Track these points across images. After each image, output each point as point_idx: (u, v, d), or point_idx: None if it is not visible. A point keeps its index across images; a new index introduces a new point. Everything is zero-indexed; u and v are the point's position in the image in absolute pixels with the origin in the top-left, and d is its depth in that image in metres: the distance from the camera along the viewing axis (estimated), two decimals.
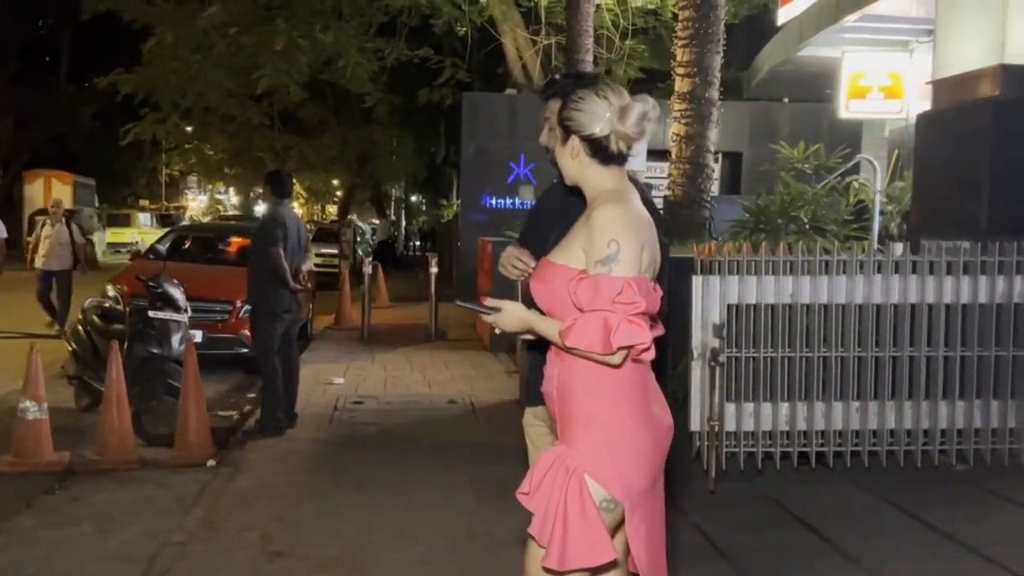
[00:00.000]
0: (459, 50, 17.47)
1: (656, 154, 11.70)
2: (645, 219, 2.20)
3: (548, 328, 2.19)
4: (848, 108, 10.83)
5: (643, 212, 2.21)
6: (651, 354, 2.15)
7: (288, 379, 6.33)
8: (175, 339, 6.12)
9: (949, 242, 5.13)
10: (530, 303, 2.30)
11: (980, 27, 5.60)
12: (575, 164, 2.27)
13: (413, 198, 52.75)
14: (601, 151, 2.24)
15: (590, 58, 12.22)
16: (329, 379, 8.22)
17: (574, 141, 2.24)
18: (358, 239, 25.65)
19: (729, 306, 4.80)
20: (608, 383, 2.17)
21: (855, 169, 8.77)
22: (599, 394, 2.17)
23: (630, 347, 2.09)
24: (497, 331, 2.30)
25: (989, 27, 5.52)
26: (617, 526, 2.24)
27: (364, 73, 16.91)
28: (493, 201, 15.47)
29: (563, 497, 2.15)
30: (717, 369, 4.64)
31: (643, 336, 2.08)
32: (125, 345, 5.99)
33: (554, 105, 2.36)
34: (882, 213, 8.00)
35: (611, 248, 2.10)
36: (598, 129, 2.21)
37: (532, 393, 2.67)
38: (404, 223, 45.10)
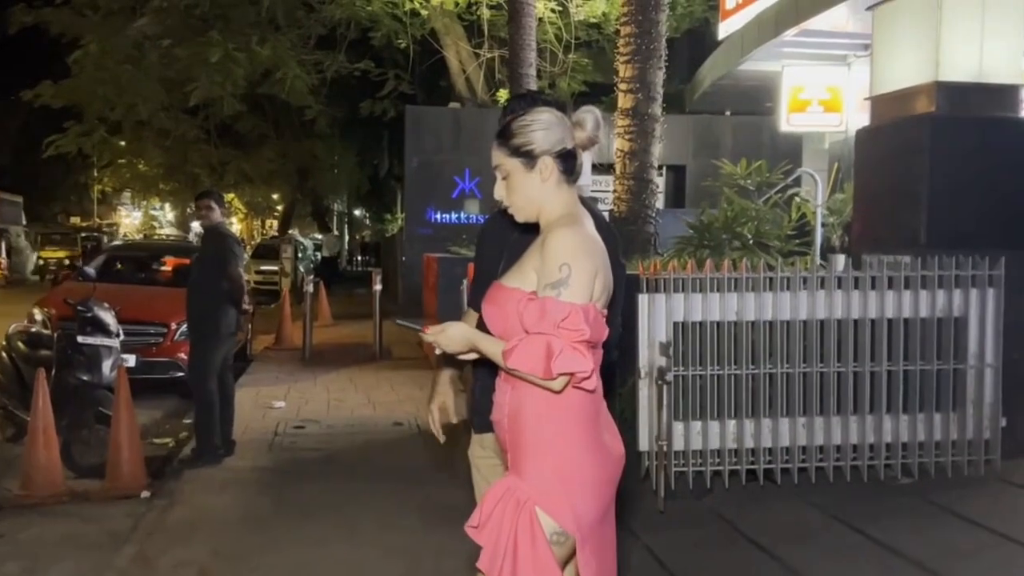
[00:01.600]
0: (401, 62, 17.44)
1: (600, 168, 11.81)
2: (599, 244, 2.19)
3: (492, 348, 2.16)
4: (789, 121, 11.05)
5: (597, 237, 2.20)
6: (592, 383, 2.14)
7: (225, 404, 6.21)
8: (106, 365, 5.96)
9: (890, 256, 5.24)
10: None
11: (915, 45, 5.76)
12: (542, 189, 2.21)
13: (356, 212, 52.40)
14: (570, 165, 2.23)
15: (533, 72, 12.27)
16: (269, 403, 8.08)
17: (545, 162, 2.20)
18: (299, 255, 25.45)
19: (675, 323, 4.83)
20: (560, 411, 2.15)
21: (797, 182, 8.94)
22: (551, 422, 2.15)
23: (571, 374, 2.07)
24: (438, 351, 2.26)
25: (924, 45, 5.67)
26: (568, 559, 2.22)
27: (303, 86, 16.78)
28: (438, 215, 15.45)
29: (513, 530, 2.12)
30: (664, 388, 4.66)
31: (584, 364, 2.06)
32: (53, 372, 5.80)
33: (498, 152, 2.27)
34: (824, 226, 8.17)
35: (562, 272, 2.08)
36: (566, 141, 2.21)
37: (480, 420, 2.64)
38: (347, 237, 44.74)
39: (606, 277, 2.16)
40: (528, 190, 2.23)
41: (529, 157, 2.21)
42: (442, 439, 2.64)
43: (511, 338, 2.13)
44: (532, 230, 2.31)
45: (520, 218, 2.27)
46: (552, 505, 2.13)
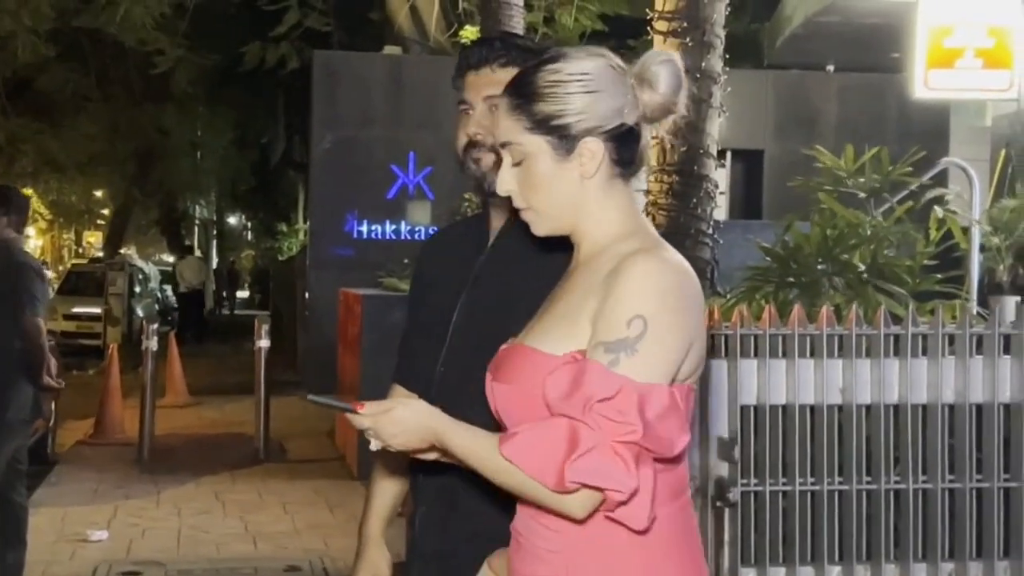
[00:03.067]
0: None
1: None
2: (697, 288, 2.14)
3: (471, 443, 2.09)
4: (928, 83, 11.18)
5: (693, 275, 2.16)
6: (633, 514, 2.05)
7: (11, 534, 6.18)
8: None
9: None
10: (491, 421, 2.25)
11: None
12: (583, 189, 2.18)
13: (231, 220, 52.50)
14: (630, 152, 2.21)
15: (521, 0, 12.40)
16: (83, 533, 8.03)
17: (590, 147, 2.16)
18: (136, 290, 25.42)
19: (744, 408, 4.85)
20: (676, 533, 2.14)
21: (940, 181, 9.05)
22: (661, 560, 2.11)
23: (598, 491, 2.02)
24: (374, 446, 2.22)
25: None
26: None
27: (147, 16, 16.86)
28: (363, 227, 15.51)
29: None
30: (727, 512, 4.66)
31: (619, 479, 1.96)
32: None
33: (509, 122, 2.21)
34: (983, 251, 8.24)
35: (632, 328, 2.03)
36: (626, 111, 2.16)
37: (422, 567, 2.64)
38: (215, 261, 44.82)
39: (702, 347, 2.15)
40: (560, 188, 2.18)
41: (565, 136, 2.16)
42: None
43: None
44: (518, 251, 2.32)
45: (541, 229, 2.24)
46: None
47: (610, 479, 1.98)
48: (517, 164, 2.19)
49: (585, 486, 1.98)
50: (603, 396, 1.99)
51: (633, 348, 2.01)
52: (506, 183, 2.22)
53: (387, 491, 2.79)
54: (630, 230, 2.19)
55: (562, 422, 2.00)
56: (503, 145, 2.21)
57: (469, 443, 2.10)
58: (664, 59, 2.20)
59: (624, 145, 2.18)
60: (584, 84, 2.14)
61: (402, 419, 2.12)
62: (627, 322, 2.02)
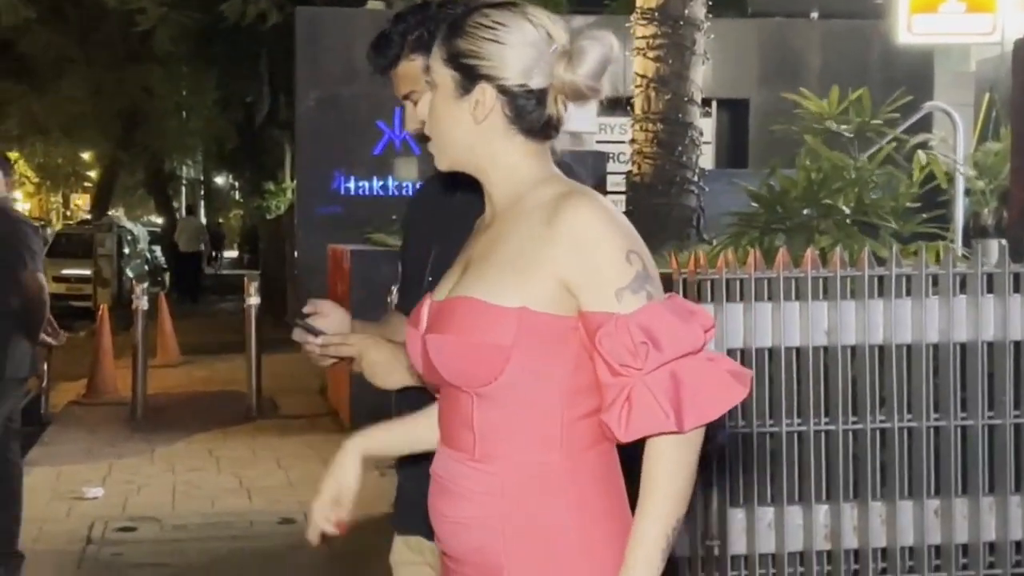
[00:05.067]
0: None
1: (612, 105, 11.88)
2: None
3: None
4: (912, 28, 11.18)
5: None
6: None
7: (6, 494, 6.20)
8: None
9: None
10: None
11: None
12: (474, 132, 2.21)
13: (219, 180, 52.32)
14: (528, 115, 2.20)
15: None
16: (78, 490, 8.05)
17: (483, 92, 2.18)
18: (125, 251, 25.37)
19: (731, 351, 4.87)
20: (590, 465, 2.15)
21: (924, 125, 9.05)
22: (579, 501, 2.14)
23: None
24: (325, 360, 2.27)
25: None
26: None
27: None
28: (351, 184, 15.47)
29: None
30: (716, 454, 4.70)
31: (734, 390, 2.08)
32: None
33: (436, 50, 2.24)
34: (967, 194, 8.27)
35: (634, 262, 2.07)
36: (534, 76, 2.18)
37: (408, 515, 2.66)
38: (204, 221, 44.70)
39: None
40: (452, 125, 2.23)
41: (466, 76, 2.20)
42: (314, 541, 2.55)
43: (467, 386, 2.13)
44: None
45: (441, 163, 2.29)
46: None
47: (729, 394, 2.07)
48: (426, 87, 2.28)
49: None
50: (706, 326, 2.06)
51: (647, 276, 2.07)
52: (414, 114, 2.35)
53: (358, 437, 2.61)
54: (541, 177, 2.21)
55: (661, 374, 2.01)
56: (426, 70, 2.27)
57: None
58: (595, 37, 2.20)
59: (522, 105, 2.19)
60: (498, 34, 2.17)
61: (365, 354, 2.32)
62: (627, 259, 2.06)
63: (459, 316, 2.14)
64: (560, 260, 2.08)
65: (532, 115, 2.20)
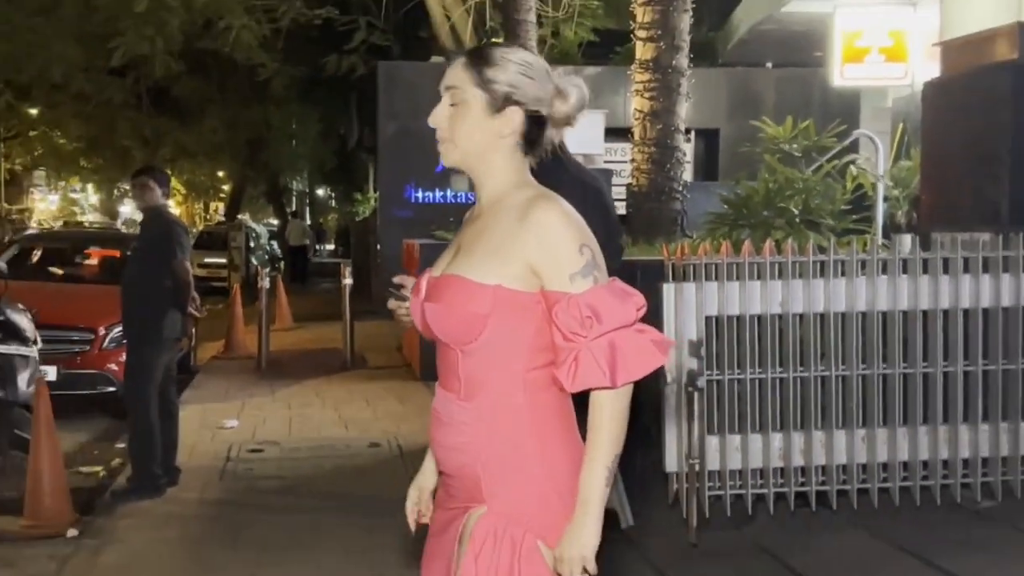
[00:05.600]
0: (373, 9, 17.47)
1: (617, 133, 11.83)
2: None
3: None
4: (843, 74, 11.11)
5: None
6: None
7: (168, 424, 6.25)
8: (22, 379, 6.00)
9: (966, 234, 5.28)
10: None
11: None
12: (495, 144, 2.18)
13: (320, 191, 52.50)
14: (537, 135, 2.21)
15: (532, 17, 12.30)
16: (219, 422, 8.12)
17: (514, 114, 2.16)
18: (251, 244, 25.52)
19: (708, 318, 4.88)
20: (540, 413, 2.17)
21: (853, 148, 9.00)
22: (532, 431, 2.15)
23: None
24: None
25: None
26: None
27: (252, 38, 16.78)
28: (419, 194, 15.49)
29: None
30: (696, 395, 4.70)
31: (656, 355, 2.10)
32: None
33: (463, 73, 2.19)
34: (886, 200, 8.22)
35: (585, 254, 2.08)
36: (543, 105, 2.18)
37: None
38: (308, 222, 44.87)
39: None
40: (479, 134, 2.18)
41: (497, 98, 2.16)
42: (413, 528, 2.47)
43: (463, 344, 2.13)
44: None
45: (448, 159, 2.22)
46: (549, 531, 2.13)
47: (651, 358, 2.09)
48: (453, 105, 2.19)
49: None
50: (638, 305, 2.08)
51: (595, 264, 2.09)
52: (438, 117, 2.21)
53: None
54: (520, 182, 2.21)
55: (601, 342, 2.03)
56: (447, 88, 2.21)
57: None
58: (577, 83, 2.24)
59: (534, 128, 2.20)
60: (524, 69, 2.17)
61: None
62: (579, 251, 2.08)
63: (450, 290, 2.14)
64: (528, 248, 2.09)
65: (536, 136, 2.21)
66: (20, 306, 6.31)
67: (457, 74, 2.19)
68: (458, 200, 15.05)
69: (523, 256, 2.10)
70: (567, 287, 2.07)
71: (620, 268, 2.54)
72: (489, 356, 2.13)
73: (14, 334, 6.10)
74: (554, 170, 2.88)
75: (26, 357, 6.08)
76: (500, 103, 2.16)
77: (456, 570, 2.16)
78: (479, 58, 2.19)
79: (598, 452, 2.08)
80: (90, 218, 49.07)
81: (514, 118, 2.18)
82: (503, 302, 2.10)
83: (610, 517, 2.51)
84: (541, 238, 2.09)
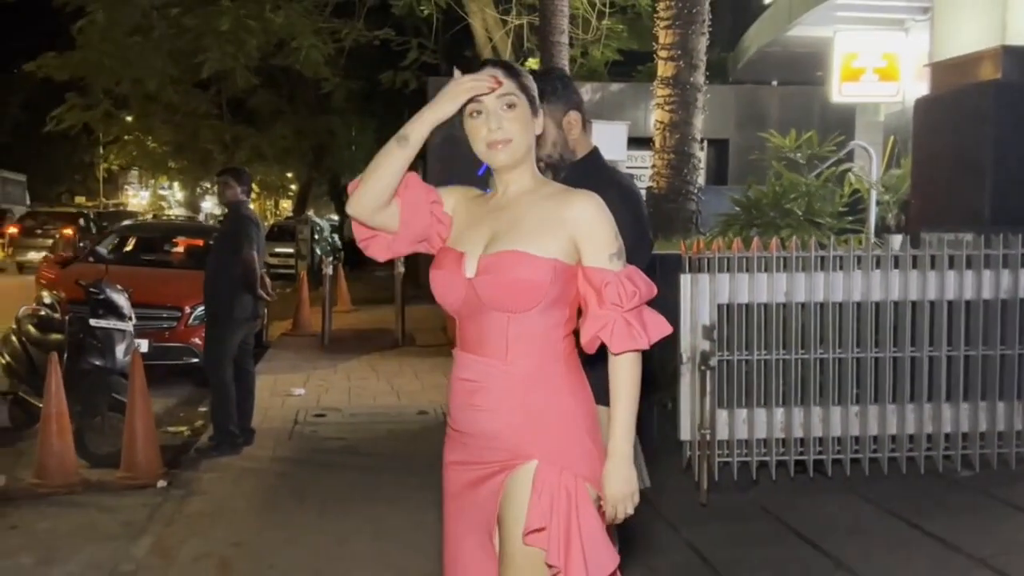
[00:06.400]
0: (424, 31, 17.44)
1: (638, 142, 11.76)
2: None
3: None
4: (841, 91, 10.97)
5: None
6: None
7: (244, 391, 6.32)
8: (119, 350, 6.07)
9: (950, 234, 5.22)
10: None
11: (979, 6, 5.70)
12: (532, 141, 2.24)
13: None
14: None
15: (565, 39, 12.24)
16: (288, 390, 8.20)
17: (541, 117, 2.27)
18: (316, 237, 25.63)
19: (720, 306, 4.85)
20: (572, 367, 2.20)
21: (849, 157, 8.89)
22: (568, 384, 2.18)
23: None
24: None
25: (989, 6, 5.62)
26: None
27: (319, 56, 16.81)
28: None
29: (577, 523, 2.10)
30: (708, 373, 4.68)
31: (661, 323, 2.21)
32: (65, 357, 5.92)
33: (509, 81, 2.21)
34: (878, 203, 8.13)
35: (618, 239, 2.16)
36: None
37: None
38: None
39: None
40: (529, 133, 2.22)
41: (535, 103, 2.24)
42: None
43: (520, 312, 2.12)
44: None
45: (507, 158, 2.19)
46: (593, 473, 2.15)
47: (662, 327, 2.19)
48: (510, 107, 2.19)
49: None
50: (649, 288, 2.17)
51: (623, 249, 2.17)
52: (504, 122, 2.19)
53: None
54: (539, 177, 2.28)
55: (632, 313, 2.13)
56: (503, 95, 2.19)
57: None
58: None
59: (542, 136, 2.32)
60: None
61: None
62: (615, 236, 2.16)
63: (512, 263, 2.13)
64: (575, 228, 2.14)
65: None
66: (118, 287, 6.39)
67: (509, 84, 2.21)
68: None
69: (570, 235, 2.14)
70: (606, 264, 2.13)
71: (650, 264, 2.54)
72: (539, 321, 2.14)
73: (113, 311, 6.17)
74: (593, 172, 2.87)
75: (123, 331, 6.15)
76: (535, 108, 2.23)
77: (504, 522, 2.14)
78: (511, 68, 2.25)
79: (628, 409, 2.15)
80: (177, 212, 49.52)
81: (541, 120, 2.26)
82: (560, 273, 2.13)
83: None
84: (586, 220, 2.14)
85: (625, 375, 2.14)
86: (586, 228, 2.14)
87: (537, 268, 2.11)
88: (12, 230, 24.79)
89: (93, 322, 6.09)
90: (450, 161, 15.60)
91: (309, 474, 5.67)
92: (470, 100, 2.19)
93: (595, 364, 2.23)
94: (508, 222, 2.19)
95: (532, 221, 2.16)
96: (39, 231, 23.71)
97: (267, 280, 6.46)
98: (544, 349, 2.15)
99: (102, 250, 9.91)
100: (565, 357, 2.17)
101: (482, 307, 2.15)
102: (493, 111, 2.18)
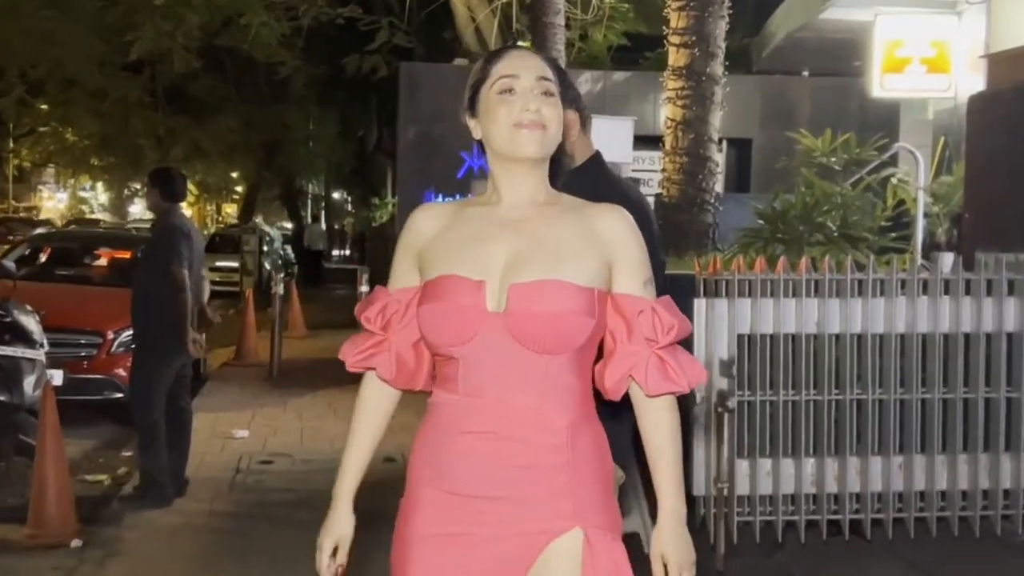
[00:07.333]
0: (396, 8, 17.53)
1: (645, 141, 11.82)
2: None
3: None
4: (883, 85, 11.06)
5: None
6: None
7: (178, 432, 6.27)
8: (28, 383, 6.00)
9: (1010, 255, 5.25)
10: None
11: None
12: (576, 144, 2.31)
13: (336, 195, 52.69)
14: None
15: (561, 20, 12.31)
16: (229, 431, 8.13)
17: (569, 115, 2.41)
18: (264, 248, 25.60)
19: (740, 336, 4.86)
20: (595, 417, 2.19)
21: (893, 161, 8.96)
22: (599, 432, 2.19)
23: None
24: None
25: None
26: None
27: (272, 36, 16.85)
28: (439, 199, 15.49)
29: None
30: (726, 416, 4.68)
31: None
32: None
33: (545, 65, 2.20)
34: (926, 216, 8.17)
35: (649, 265, 2.16)
36: None
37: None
38: (324, 226, 45.04)
39: None
40: (559, 132, 2.18)
41: (563, 97, 2.22)
42: None
43: (559, 352, 2.07)
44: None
45: (538, 146, 2.12)
46: (619, 531, 2.17)
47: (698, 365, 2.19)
48: (547, 94, 2.13)
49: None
50: (686, 323, 2.14)
51: (652, 275, 2.17)
52: (544, 107, 2.13)
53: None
54: (555, 192, 2.22)
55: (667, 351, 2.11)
56: (541, 78, 2.15)
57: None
58: None
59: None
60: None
61: None
62: (647, 260, 2.16)
63: (552, 294, 2.05)
64: (610, 250, 2.12)
65: None
66: (28, 307, 6.33)
67: (543, 65, 2.17)
68: None
69: (605, 257, 2.12)
70: (640, 292, 2.12)
71: (662, 284, 2.52)
72: (574, 362, 2.10)
73: (21, 336, 6.11)
74: (597, 181, 2.87)
75: (32, 360, 6.09)
76: (569, 101, 2.27)
77: None
78: (549, 57, 2.24)
79: (677, 461, 2.16)
80: (100, 217, 49.38)
81: (568, 115, 2.29)
82: (601, 304, 2.10)
83: (633, 540, 2.51)
84: (621, 239, 2.13)
85: (669, 420, 2.13)
86: (621, 249, 2.12)
87: (582, 300, 2.06)
88: None
89: None
90: (424, 160, 15.74)
91: (253, 532, 5.62)
92: (499, 77, 2.14)
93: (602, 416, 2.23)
94: (532, 241, 2.11)
95: (564, 240, 2.11)
96: None
97: (205, 309, 6.41)
98: (580, 395, 2.12)
99: (9, 263, 9.85)
100: (592, 397, 2.16)
101: (508, 347, 2.06)
102: (531, 93, 2.12)
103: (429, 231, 2.21)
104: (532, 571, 2.08)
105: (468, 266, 2.10)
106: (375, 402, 2.36)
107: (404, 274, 2.24)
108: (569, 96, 2.99)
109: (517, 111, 2.11)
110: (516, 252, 2.10)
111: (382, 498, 6.38)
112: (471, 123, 2.22)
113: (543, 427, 2.08)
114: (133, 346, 6.50)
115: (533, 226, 2.13)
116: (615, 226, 2.13)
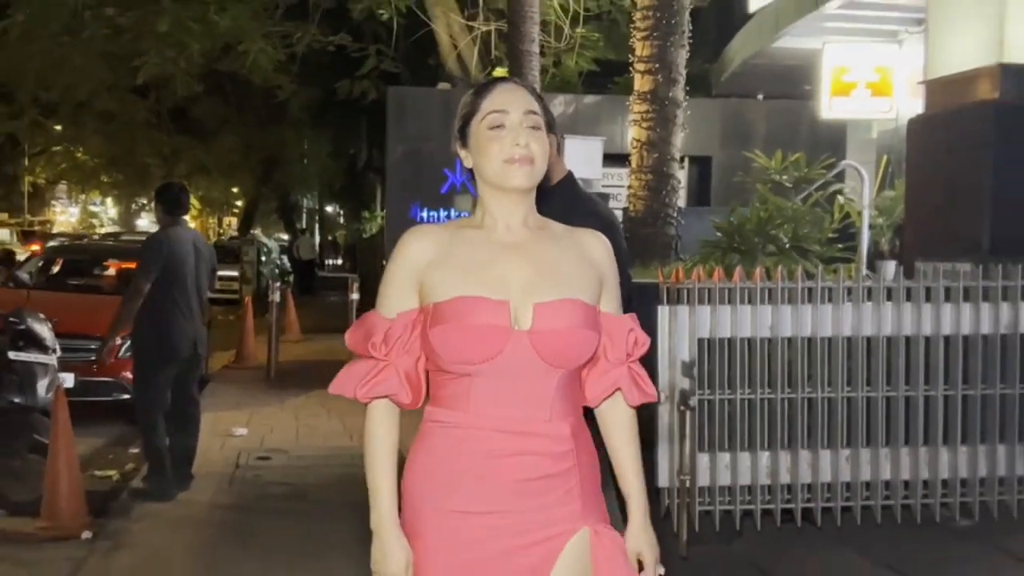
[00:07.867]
0: (383, 37, 17.48)
1: (614, 159, 11.85)
2: None
3: None
4: (831, 107, 11.13)
5: None
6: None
7: (185, 431, 6.25)
8: (41, 386, 5.97)
9: (947, 264, 5.29)
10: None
11: (976, 22, 5.82)
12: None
13: (329, 209, 52.58)
14: None
15: (536, 48, 12.33)
16: (229, 429, 8.10)
17: (552, 139, 2.25)
18: (262, 259, 25.50)
19: (700, 340, 4.88)
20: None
21: (840, 178, 9.01)
22: (591, 444, 2.21)
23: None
24: None
25: (986, 22, 5.74)
26: None
27: (269, 62, 16.80)
28: (424, 213, 15.47)
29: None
30: (688, 414, 4.69)
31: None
32: None
33: (532, 98, 2.17)
34: (871, 228, 8.23)
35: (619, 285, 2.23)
36: None
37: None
38: (318, 238, 44.91)
39: None
40: (545, 164, 2.13)
41: (550, 123, 2.18)
42: None
43: (572, 367, 2.10)
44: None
45: (527, 179, 2.08)
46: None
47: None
48: (534, 128, 2.10)
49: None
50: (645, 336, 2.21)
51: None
52: (532, 141, 2.10)
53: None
54: (542, 218, 2.21)
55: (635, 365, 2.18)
56: (528, 112, 2.11)
57: None
58: None
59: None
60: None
61: None
62: (619, 283, 2.22)
63: (571, 313, 2.05)
64: (601, 272, 2.16)
65: None
66: (41, 315, 6.29)
67: (530, 98, 2.14)
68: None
69: (598, 279, 2.15)
70: (618, 311, 2.18)
71: (627, 296, 2.54)
72: (575, 376, 2.13)
73: (34, 342, 6.07)
74: (571, 201, 2.87)
75: (45, 365, 6.05)
76: (548, 128, 2.16)
77: None
78: (533, 90, 2.19)
79: (641, 470, 2.22)
80: (109, 230, 49.05)
81: (552, 142, 2.23)
82: (598, 320, 2.13)
83: None
84: (606, 262, 2.18)
85: (635, 431, 2.23)
86: (608, 271, 2.17)
87: (591, 317, 2.08)
88: None
89: (12, 355, 5.98)
90: (410, 176, 15.68)
91: (252, 523, 5.59)
92: (489, 112, 2.11)
93: None
94: (540, 263, 2.09)
95: (565, 262, 2.11)
96: None
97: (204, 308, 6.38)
98: (576, 402, 2.15)
99: (23, 275, 9.77)
100: (581, 406, 2.19)
101: (529, 363, 2.02)
102: (520, 127, 2.09)
103: (427, 255, 2.11)
104: (553, 573, 2.05)
105: (486, 287, 2.04)
106: (388, 427, 2.22)
107: (401, 298, 2.12)
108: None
109: (508, 147, 2.07)
110: (528, 273, 2.07)
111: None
112: (462, 153, 2.18)
113: (553, 437, 2.07)
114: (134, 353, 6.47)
115: (534, 249, 2.11)
116: (601, 251, 2.18)
